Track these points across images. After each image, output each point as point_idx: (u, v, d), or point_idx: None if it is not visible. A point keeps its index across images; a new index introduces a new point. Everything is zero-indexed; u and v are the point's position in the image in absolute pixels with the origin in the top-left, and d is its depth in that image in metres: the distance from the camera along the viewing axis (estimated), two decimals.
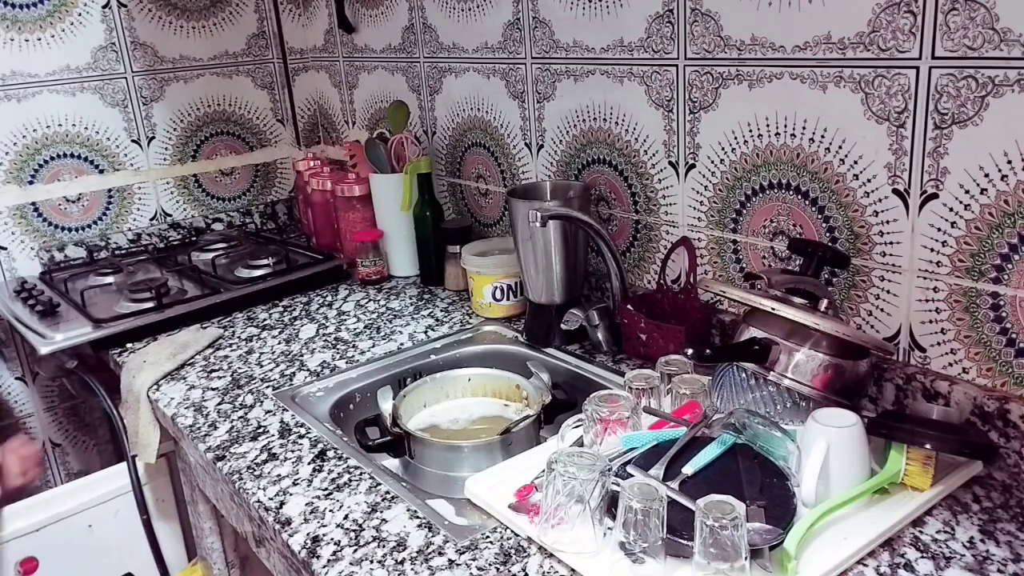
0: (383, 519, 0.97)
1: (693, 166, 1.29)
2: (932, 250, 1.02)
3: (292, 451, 1.13)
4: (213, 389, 1.35)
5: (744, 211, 1.24)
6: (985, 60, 0.92)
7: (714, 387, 1.06)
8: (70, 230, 1.98)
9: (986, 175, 0.95)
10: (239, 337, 1.55)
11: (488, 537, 0.92)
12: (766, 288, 1.04)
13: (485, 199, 1.80)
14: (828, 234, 1.13)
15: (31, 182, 1.91)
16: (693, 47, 1.24)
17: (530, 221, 1.25)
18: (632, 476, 0.90)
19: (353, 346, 1.47)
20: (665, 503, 0.81)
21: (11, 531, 1.46)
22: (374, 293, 1.72)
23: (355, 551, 0.91)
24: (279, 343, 1.51)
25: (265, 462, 1.11)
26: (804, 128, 1.12)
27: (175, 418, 1.27)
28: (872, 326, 1.11)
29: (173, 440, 1.39)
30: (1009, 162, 0.93)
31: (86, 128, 1.96)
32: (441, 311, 1.61)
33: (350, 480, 1.05)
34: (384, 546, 0.92)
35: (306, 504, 1.01)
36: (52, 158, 1.93)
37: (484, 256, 1.54)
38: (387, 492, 1.02)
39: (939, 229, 1.01)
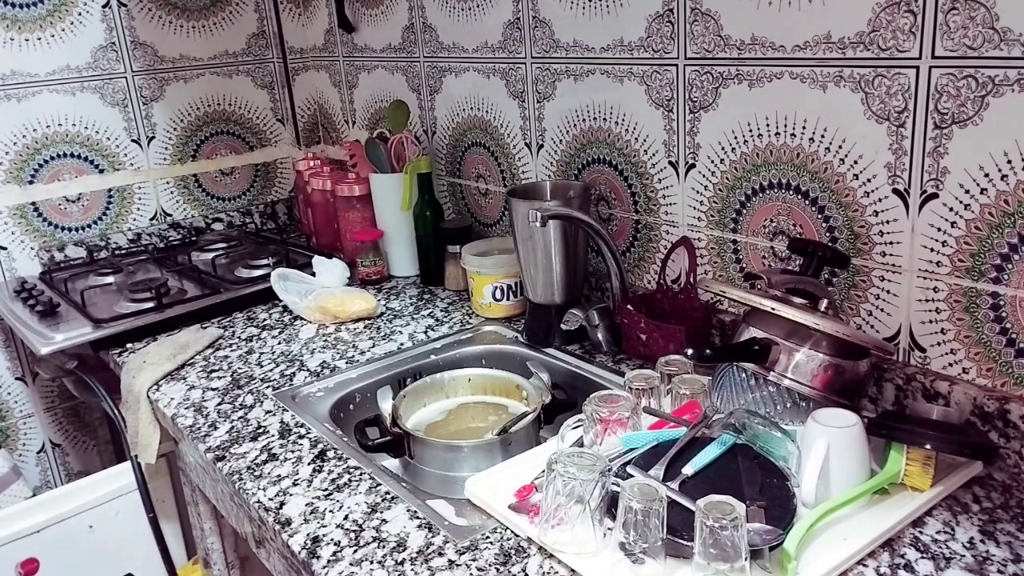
0: (383, 519, 0.97)
1: (693, 166, 1.29)
2: (932, 250, 1.02)
3: (292, 451, 1.13)
4: (213, 389, 1.35)
5: (744, 211, 1.24)
6: (985, 60, 0.92)
7: (714, 387, 1.06)
8: (70, 230, 1.98)
9: (986, 175, 0.95)
10: (239, 337, 1.55)
11: (488, 537, 0.92)
12: (766, 288, 1.04)
13: (485, 199, 1.79)
14: (828, 234, 1.13)
15: (31, 182, 1.91)
16: (693, 47, 1.24)
17: (530, 221, 1.25)
18: (632, 476, 0.90)
19: (353, 346, 1.47)
20: (665, 503, 0.81)
21: (11, 532, 1.46)
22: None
23: (355, 551, 0.91)
24: (279, 343, 1.51)
25: (265, 462, 1.11)
26: (804, 128, 1.12)
27: (175, 418, 1.27)
28: (872, 326, 1.11)
29: (173, 440, 1.39)
30: (1009, 162, 0.93)
31: (86, 128, 1.96)
32: (441, 311, 1.61)
33: (350, 480, 1.05)
34: (384, 546, 0.92)
35: (306, 504, 1.01)
36: (52, 158, 1.93)
37: (484, 256, 1.54)
38: (387, 492, 1.02)
39: (939, 229, 1.01)
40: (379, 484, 1.04)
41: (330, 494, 1.03)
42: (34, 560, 1.48)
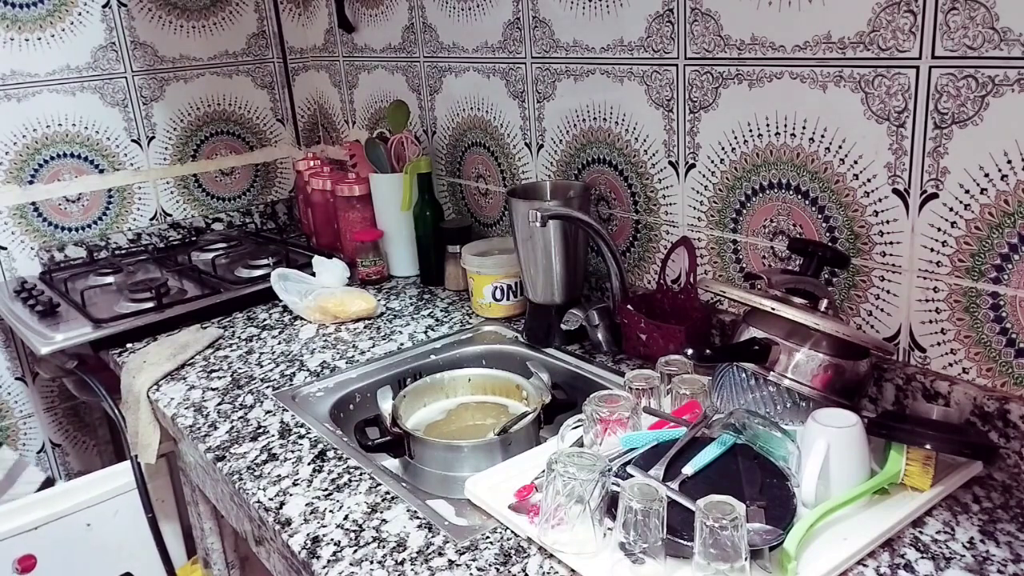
0: (383, 519, 0.97)
1: (693, 166, 1.29)
2: (932, 250, 1.02)
3: (292, 451, 1.13)
4: (213, 389, 1.35)
5: (744, 211, 1.24)
6: (985, 60, 0.92)
7: (714, 387, 1.06)
8: (70, 230, 1.98)
9: (986, 175, 0.95)
10: (239, 337, 1.55)
11: (488, 537, 0.92)
12: (766, 288, 1.04)
13: (485, 199, 1.79)
14: (828, 234, 1.13)
15: (31, 182, 1.91)
16: (693, 47, 1.24)
17: (530, 221, 1.25)
18: (632, 476, 0.90)
19: (353, 346, 1.47)
20: (665, 503, 0.81)
21: (8, 528, 1.46)
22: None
23: (355, 551, 0.91)
24: (279, 343, 1.51)
25: (265, 462, 1.11)
26: (804, 128, 1.12)
27: (175, 418, 1.27)
28: (872, 326, 1.11)
29: (173, 440, 1.39)
30: (1009, 162, 0.93)
31: (86, 128, 1.96)
32: (441, 311, 1.61)
33: (350, 480, 1.05)
34: (384, 546, 0.92)
35: (306, 504, 1.01)
36: (52, 158, 1.93)
37: (484, 256, 1.54)
38: (387, 492, 1.02)
39: (939, 229, 1.01)
40: (379, 484, 1.04)
41: (330, 494, 1.03)
42: (31, 556, 1.48)
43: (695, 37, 1.23)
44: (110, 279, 1.84)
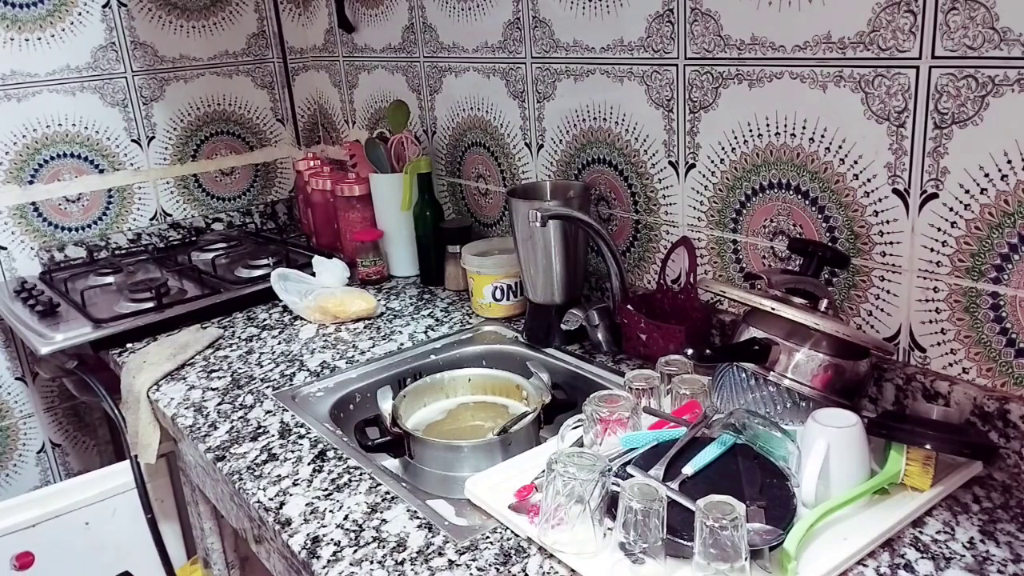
0: (383, 519, 0.97)
1: (693, 166, 1.29)
2: (932, 250, 1.02)
3: (292, 451, 1.13)
4: (213, 389, 1.35)
5: (744, 211, 1.24)
6: (985, 60, 0.92)
7: (714, 387, 1.06)
8: (70, 230, 1.98)
9: (986, 175, 0.95)
10: (239, 337, 1.55)
11: (488, 537, 0.92)
12: (766, 288, 1.04)
13: (485, 199, 1.79)
14: (828, 234, 1.13)
15: (31, 182, 1.91)
16: (693, 47, 1.24)
17: (530, 221, 1.25)
18: (632, 476, 0.90)
19: (353, 346, 1.47)
20: (665, 503, 0.81)
21: (7, 525, 1.46)
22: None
23: (355, 551, 0.91)
24: (279, 343, 1.51)
25: (265, 462, 1.11)
26: (804, 128, 1.12)
27: (175, 418, 1.27)
28: (872, 326, 1.11)
29: (173, 440, 1.39)
30: (1009, 162, 0.93)
31: (86, 128, 1.96)
32: (441, 311, 1.61)
33: (350, 480, 1.05)
34: (384, 546, 0.92)
35: (306, 504, 1.01)
36: (52, 158, 1.93)
37: (484, 256, 1.54)
38: (387, 492, 1.02)
39: (939, 229, 1.01)
40: (379, 484, 1.04)
41: (330, 494, 1.03)
42: (29, 554, 1.48)
43: (695, 37, 1.23)
44: (110, 279, 1.84)
